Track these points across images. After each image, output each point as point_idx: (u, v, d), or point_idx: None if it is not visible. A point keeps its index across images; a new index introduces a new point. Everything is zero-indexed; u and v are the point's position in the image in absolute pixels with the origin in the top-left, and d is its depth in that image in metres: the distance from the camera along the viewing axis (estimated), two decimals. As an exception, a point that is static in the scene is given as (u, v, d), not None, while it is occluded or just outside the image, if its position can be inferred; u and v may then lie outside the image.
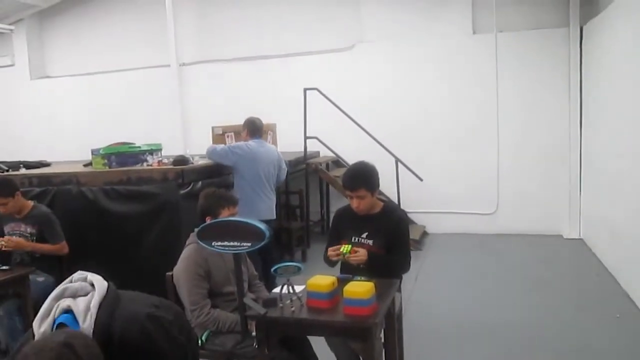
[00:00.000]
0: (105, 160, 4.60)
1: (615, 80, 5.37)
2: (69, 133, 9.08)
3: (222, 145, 4.91)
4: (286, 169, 5.27)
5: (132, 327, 1.62)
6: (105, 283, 1.71)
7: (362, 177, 2.99)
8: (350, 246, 2.90)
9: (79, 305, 1.62)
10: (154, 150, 4.85)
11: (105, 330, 1.59)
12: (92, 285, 1.70)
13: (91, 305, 1.63)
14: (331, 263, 3.06)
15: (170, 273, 2.92)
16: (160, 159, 4.77)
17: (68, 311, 1.61)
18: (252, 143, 4.83)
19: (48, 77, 9.70)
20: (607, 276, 5.32)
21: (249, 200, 4.54)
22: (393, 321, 2.80)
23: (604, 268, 5.57)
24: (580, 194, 7.04)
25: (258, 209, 4.61)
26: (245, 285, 2.98)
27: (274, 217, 4.98)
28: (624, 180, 4.99)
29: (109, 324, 1.60)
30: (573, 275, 5.57)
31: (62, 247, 3.99)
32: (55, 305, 1.63)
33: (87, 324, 1.59)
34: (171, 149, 5.81)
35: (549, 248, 6.63)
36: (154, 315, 1.70)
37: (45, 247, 3.94)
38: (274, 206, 4.97)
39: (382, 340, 2.83)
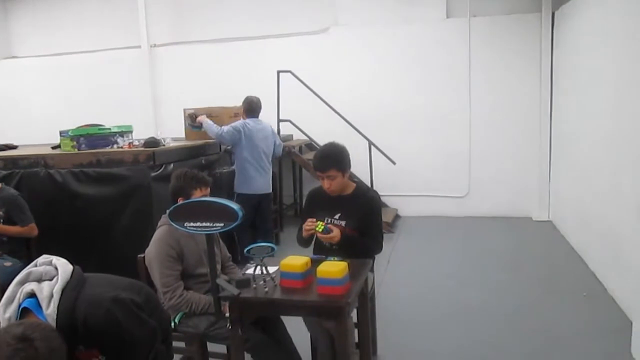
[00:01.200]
0: (74, 143, 4.49)
1: (585, 65, 5.46)
2: (35, 115, 8.84)
3: (226, 128, 5.17)
4: (281, 144, 5.82)
5: (96, 311, 1.61)
6: (70, 267, 1.69)
7: (332, 157, 2.99)
8: (323, 225, 2.90)
9: (43, 291, 1.60)
10: (125, 132, 4.76)
11: (69, 316, 1.58)
12: (57, 269, 1.66)
13: (54, 290, 1.61)
14: (304, 243, 3.07)
15: (141, 255, 2.89)
16: (131, 141, 4.68)
17: (32, 295, 1.59)
18: (249, 122, 5.26)
19: (14, 57, 9.40)
20: (574, 257, 5.46)
21: (249, 175, 5.20)
22: (366, 301, 2.82)
23: (571, 249, 5.71)
24: (549, 177, 7.19)
25: (258, 184, 5.26)
26: (218, 267, 2.96)
27: (271, 190, 5.55)
28: (591, 164, 5.10)
29: (72, 309, 1.59)
30: (542, 257, 5.70)
31: (32, 229, 3.90)
32: (20, 290, 1.61)
33: (50, 310, 1.57)
34: (142, 132, 5.70)
35: (519, 230, 6.77)
36: (120, 298, 1.69)
37: (14, 229, 3.85)
38: (271, 180, 5.49)
39: (355, 319, 2.87)
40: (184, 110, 5.96)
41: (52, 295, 1.60)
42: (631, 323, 3.43)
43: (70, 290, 1.64)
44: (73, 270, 1.70)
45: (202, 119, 5.36)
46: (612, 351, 3.37)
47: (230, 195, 5.19)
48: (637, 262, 3.34)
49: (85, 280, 1.71)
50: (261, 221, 5.50)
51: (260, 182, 5.32)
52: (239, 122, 5.25)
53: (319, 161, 2.99)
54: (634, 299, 3.50)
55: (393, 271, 5.17)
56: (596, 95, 5.04)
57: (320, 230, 2.87)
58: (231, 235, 5.00)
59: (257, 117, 5.40)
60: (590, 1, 5.32)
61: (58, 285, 1.63)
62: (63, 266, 1.70)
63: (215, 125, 5.25)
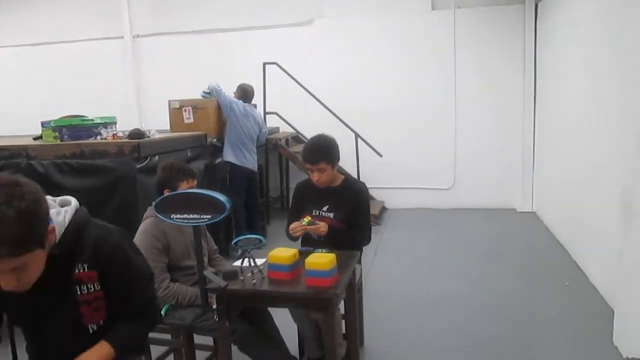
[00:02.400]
0: (57, 133, 4.41)
1: (568, 57, 5.52)
2: (17, 106, 8.68)
3: (228, 96, 5.65)
4: (266, 132, 6.24)
5: (107, 236, 1.62)
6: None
7: (322, 150, 2.98)
8: (310, 218, 2.90)
9: (56, 201, 1.62)
10: (108, 123, 4.68)
11: (78, 230, 1.57)
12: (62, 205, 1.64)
13: (68, 208, 1.60)
14: (293, 238, 3.06)
15: (127, 247, 2.85)
16: (115, 132, 4.61)
17: None
18: (247, 106, 5.75)
19: (-8, 47, 9.21)
20: (557, 247, 5.53)
21: (238, 151, 5.65)
22: (353, 292, 2.83)
23: (555, 239, 5.79)
24: (533, 169, 7.28)
25: (247, 159, 5.72)
26: (205, 259, 2.94)
27: (255, 169, 5.96)
28: (574, 156, 5.16)
29: (83, 227, 1.58)
30: (525, 247, 5.77)
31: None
32: None
33: (60, 218, 1.56)
34: (126, 123, 5.63)
35: (503, 221, 6.85)
36: (125, 233, 1.72)
37: None
38: (255, 161, 5.94)
39: (342, 311, 2.87)
40: (169, 102, 5.91)
41: (65, 210, 1.59)
42: (613, 312, 3.48)
43: (82, 213, 1.63)
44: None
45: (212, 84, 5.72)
46: (593, 340, 3.43)
47: (223, 187, 5.36)
48: (617, 252, 3.39)
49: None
50: (251, 200, 5.88)
51: (249, 159, 5.76)
52: (237, 102, 5.67)
53: (309, 153, 2.98)
54: (615, 287, 3.55)
55: (380, 263, 5.20)
56: (577, 86, 5.11)
57: (306, 223, 2.87)
58: (218, 227, 4.99)
59: (250, 103, 5.86)
60: (573, -7, 5.37)
61: (72, 205, 1.63)
62: (71, 199, 1.69)
63: (224, 93, 5.64)
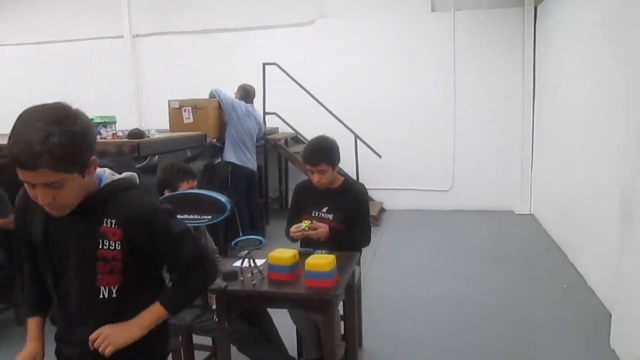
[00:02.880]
0: (56, 133, 4.41)
1: (567, 60, 5.53)
2: (13, 106, 8.61)
3: (229, 97, 5.73)
4: (264, 132, 6.36)
5: (141, 198, 1.62)
6: (124, 175, 1.69)
7: (323, 151, 2.99)
8: (309, 222, 2.91)
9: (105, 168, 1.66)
10: (108, 122, 4.69)
11: (114, 192, 1.60)
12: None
13: (124, 174, 1.67)
14: (292, 238, 3.06)
15: (127, 247, 2.85)
16: (114, 132, 4.61)
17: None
18: (248, 107, 5.82)
19: (-8, 45, 9.20)
20: (555, 249, 5.54)
21: (239, 151, 5.70)
22: (353, 293, 2.84)
23: (552, 242, 5.80)
24: (531, 171, 7.29)
25: (247, 159, 5.77)
26: (205, 259, 2.94)
27: (255, 169, 6.03)
28: (572, 158, 5.18)
29: (123, 189, 1.61)
30: (523, 249, 5.78)
31: (10, 221, 3.83)
32: None
33: (109, 174, 1.63)
34: (125, 123, 5.63)
35: (501, 223, 6.86)
36: (159, 203, 1.70)
37: None
38: (255, 161, 6.02)
39: (342, 312, 2.88)
40: (169, 101, 5.91)
41: (120, 174, 1.65)
42: (610, 315, 3.49)
43: (132, 179, 1.67)
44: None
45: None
46: (591, 342, 3.44)
47: (223, 187, 5.39)
48: (616, 255, 3.40)
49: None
50: (251, 200, 5.97)
51: (250, 159, 5.83)
52: (238, 103, 5.73)
53: (310, 155, 2.99)
54: (613, 290, 3.56)
55: (378, 264, 5.20)
56: (575, 89, 5.13)
57: (305, 226, 2.88)
58: (217, 227, 4.99)
59: (251, 103, 5.93)
60: (571, -4, 5.39)
61: (129, 174, 1.69)
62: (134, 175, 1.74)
63: (225, 94, 5.75)
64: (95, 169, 1.54)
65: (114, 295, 1.61)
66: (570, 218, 5.20)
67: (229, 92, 5.84)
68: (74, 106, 1.52)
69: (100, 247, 1.57)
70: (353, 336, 2.89)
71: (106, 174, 1.62)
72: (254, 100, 6.04)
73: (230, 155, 5.68)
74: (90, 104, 7.46)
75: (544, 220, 6.53)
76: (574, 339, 3.53)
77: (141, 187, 1.67)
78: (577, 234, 4.93)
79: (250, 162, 5.83)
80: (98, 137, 4.49)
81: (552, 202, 6.08)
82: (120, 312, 1.61)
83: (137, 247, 1.59)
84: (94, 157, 1.49)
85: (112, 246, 1.57)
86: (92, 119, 4.51)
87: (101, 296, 1.60)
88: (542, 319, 3.87)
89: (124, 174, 1.67)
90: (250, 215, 5.82)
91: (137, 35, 8.45)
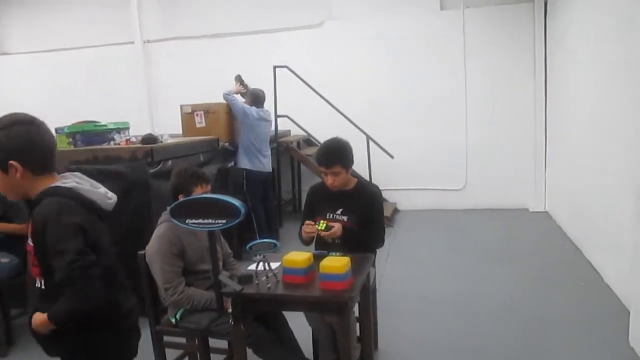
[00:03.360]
0: (70, 139, 4.46)
1: (578, 56, 5.48)
2: (29, 112, 8.73)
3: (240, 104, 5.73)
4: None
5: (49, 201, 1.75)
6: (71, 184, 1.82)
7: (337, 153, 2.98)
8: (325, 223, 2.90)
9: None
10: (121, 128, 4.72)
11: (44, 196, 1.76)
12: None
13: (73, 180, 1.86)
14: (306, 242, 3.06)
15: (142, 252, 2.88)
16: (128, 137, 4.65)
17: None
18: (260, 112, 5.81)
19: (6, 53, 9.32)
20: (571, 247, 5.50)
21: (253, 157, 5.73)
22: (368, 295, 2.83)
23: (568, 239, 5.75)
24: (545, 168, 7.23)
25: (262, 164, 5.81)
26: (220, 263, 2.96)
27: (270, 170, 6.08)
28: (586, 154, 5.13)
29: (53, 194, 1.76)
30: (538, 247, 5.74)
31: (28, 227, 3.87)
32: None
33: (71, 179, 1.87)
34: (138, 128, 5.68)
35: (516, 221, 6.81)
36: (69, 207, 1.78)
37: (11, 226, 3.82)
38: (270, 162, 6.04)
39: (357, 314, 2.88)
40: (181, 106, 5.95)
41: (70, 181, 1.84)
42: (628, 312, 3.45)
43: (69, 189, 1.79)
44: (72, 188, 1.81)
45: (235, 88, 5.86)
46: (609, 340, 3.40)
47: (237, 192, 5.44)
48: (633, 250, 3.36)
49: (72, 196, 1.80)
50: (266, 202, 5.99)
51: (264, 162, 5.86)
52: (251, 110, 5.71)
53: (324, 157, 2.98)
54: (630, 287, 3.52)
55: (393, 264, 5.19)
56: (588, 85, 5.07)
57: (323, 228, 2.87)
58: (231, 231, 5.00)
59: (262, 107, 5.93)
60: (583, -9, 5.33)
61: (81, 181, 1.89)
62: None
63: (236, 99, 5.78)
64: (17, 172, 1.72)
65: (43, 286, 1.79)
66: (585, 214, 5.15)
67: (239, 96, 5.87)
68: (36, 117, 1.86)
69: (28, 241, 1.78)
70: (369, 338, 2.89)
71: (68, 181, 1.82)
72: (264, 103, 6.04)
73: (244, 162, 5.71)
74: (103, 110, 7.62)
75: (559, 218, 6.48)
76: (591, 337, 3.50)
77: (71, 199, 1.77)
78: (593, 231, 4.89)
79: (265, 166, 5.86)
80: (112, 143, 4.54)
81: (567, 199, 6.03)
82: (47, 301, 1.77)
83: (38, 246, 1.75)
84: (12, 161, 1.70)
85: (29, 242, 1.77)
86: (106, 125, 4.56)
87: (37, 285, 1.81)
88: (559, 317, 3.83)
89: (70, 184, 1.81)
90: (266, 218, 5.85)
91: (148, 41, 8.51)
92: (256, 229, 5.65)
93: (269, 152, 5.98)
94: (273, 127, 6.23)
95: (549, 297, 4.24)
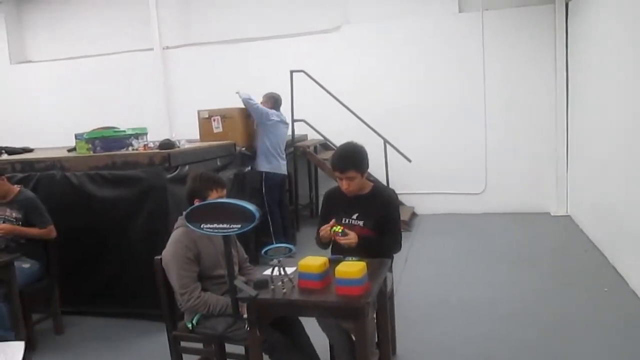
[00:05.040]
0: (90, 145, 4.51)
1: (601, 58, 5.37)
2: (51, 119, 8.92)
3: (262, 108, 5.74)
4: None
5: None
6: None
7: (352, 158, 2.95)
8: (342, 228, 2.87)
9: None
10: (139, 134, 4.76)
11: None
12: None
13: None
14: (323, 245, 3.04)
15: (158, 257, 2.88)
16: (145, 143, 4.68)
17: None
18: (274, 113, 5.81)
19: (29, 61, 9.49)
20: (594, 252, 5.38)
21: (273, 159, 5.76)
22: (385, 301, 2.79)
23: (591, 244, 5.63)
24: (567, 171, 7.10)
25: (279, 165, 5.84)
26: (236, 268, 2.95)
27: (286, 173, 6.11)
28: (610, 157, 5.02)
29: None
30: (561, 252, 5.62)
31: (50, 231, 3.93)
32: None
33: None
34: (156, 133, 5.72)
35: (537, 226, 6.69)
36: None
37: (33, 231, 3.87)
38: (286, 165, 6.08)
39: (375, 319, 2.83)
40: (198, 112, 5.98)
41: None
42: (656, 319, 3.36)
43: None
44: None
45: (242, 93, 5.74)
46: (636, 349, 3.31)
47: (254, 196, 5.43)
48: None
49: None
50: (283, 204, 6.05)
51: (281, 164, 5.88)
52: (270, 113, 5.74)
53: (339, 162, 2.95)
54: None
55: (411, 269, 5.14)
56: (613, 87, 4.96)
57: (339, 230, 2.84)
58: (247, 236, 4.99)
59: (279, 110, 5.96)
60: (605, -9, 5.23)
61: None
62: None
63: (254, 101, 5.75)
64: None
65: None
66: (609, 218, 5.04)
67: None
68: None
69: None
70: (387, 344, 2.84)
71: None
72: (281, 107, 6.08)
73: (263, 165, 5.75)
74: (122, 116, 7.72)
75: (582, 222, 6.35)
76: (616, 345, 3.40)
77: None
78: (618, 235, 4.77)
79: (282, 168, 5.91)
80: (130, 148, 4.58)
81: (591, 203, 5.91)
82: None
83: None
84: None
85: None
86: (124, 131, 4.64)
87: None
88: (583, 324, 3.74)
89: None
90: (282, 221, 5.87)
91: (167, 47, 8.59)
92: (272, 233, 5.65)
93: (284, 155, 6.01)
94: (289, 132, 6.26)
95: (573, 304, 4.14)
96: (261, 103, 5.85)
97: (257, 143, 5.83)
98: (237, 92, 5.71)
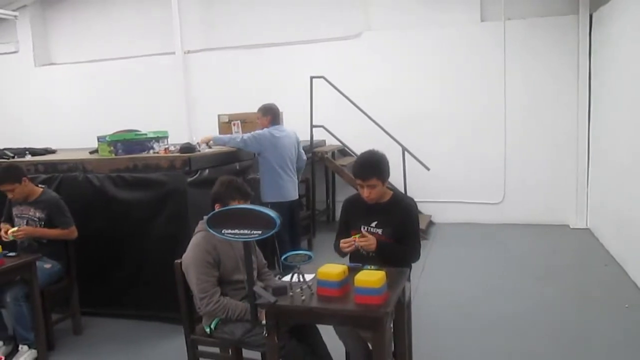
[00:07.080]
0: (112, 148, 4.56)
1: (625, 69, 5.31)
2: (74, 120, 9.05)
3: (246, 135, 5.01)
4: (304, 159, 5.51)
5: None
6: None
7: (374, 166, 2.95)
8: (359, 235, 2.88)
9: None
10: (161, 137, 4.81)
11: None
12: None
13: None
14: (342, 253, 3.04)
15: (179, 261, 2.91)
16: (166, 146, 4.73)
17: None
18: (274, 131, 5.06)
19: (53, 64, 9.65)
20: (615, 266, 5.29)
21: (279, 184, 5.06)
22: (403, 310, 2.78)
23: (611, 258, 5.54)
24: (587, 183, 7.01)
25: (286, 189, 5.11)
26: (255, 273, 2.96)
27: (297, 197, 5.37)
28: (631, 170, 4.95)
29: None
30: (580, 266, 5.54)
31: (72, 232, 3.98)
32: None
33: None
34: (177, 137, 5.78)
35: (556, 238, 6.60)
36: None
37: (55, 232, 3.93)
38: (297, 186, 5.32)
39: (392, 328, 2.82)
40: (219, 116, 6.03)
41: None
42: (678, 337, 3.30)
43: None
44: None
45: (208, 137, 5.08)
46: (658, 366, 3.25)
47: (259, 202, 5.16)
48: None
49: None
50: (294, 229, 5.37)
51: (290, 188, 5.17)
52: (264, 132, 5.02)
53: (360, 170, 2.96)
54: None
55: (427, 279, 5.11)
56: (637, 100, 4.89)
57: (358, 237, 2.85)
58: (267, 242, 4.90)
59: (279, 123, 5.25)
60: (629, 2, 5.16)
61: None
62: None
63: (229, 136, 5.13)
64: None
65: None
66: (630, 232, 4.96)
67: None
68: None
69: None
70: (404, 354, 2.83)
71: None
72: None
73: (267, 194, 5.08)
74: (143, 120, 7.79)
75: (602, 235, 6.26)
76: (637, 362, 3.35)
77: None
78: (638, 250, 4.69)
79: (292, 191, 5.20)
80: (151, 151, 4.63)
81: (611, 216, 5.82)
82: None
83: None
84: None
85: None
86: (146, 134, 4.71)
87: None
88: (602, 340, 3.68)
89: None
90: (291, 241, 5.20)
91: (188, 52, 8.68)
92: (278, 253, 4.99)
93: (294, 174, 5.26)
94: (299, 142, 5.42)
95: (592, 319, 4.08)
96: (258, 119, 5.25)
97: (259, 172, 5.17)
98: (202, 144, 5.01)
